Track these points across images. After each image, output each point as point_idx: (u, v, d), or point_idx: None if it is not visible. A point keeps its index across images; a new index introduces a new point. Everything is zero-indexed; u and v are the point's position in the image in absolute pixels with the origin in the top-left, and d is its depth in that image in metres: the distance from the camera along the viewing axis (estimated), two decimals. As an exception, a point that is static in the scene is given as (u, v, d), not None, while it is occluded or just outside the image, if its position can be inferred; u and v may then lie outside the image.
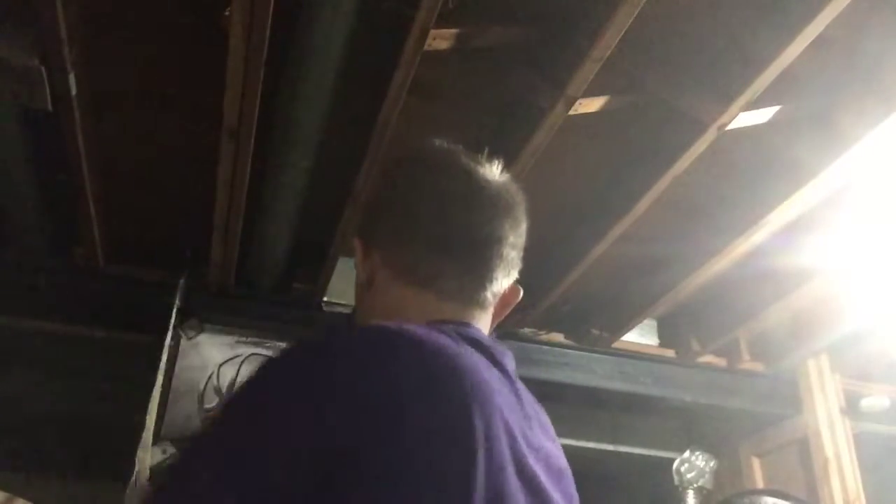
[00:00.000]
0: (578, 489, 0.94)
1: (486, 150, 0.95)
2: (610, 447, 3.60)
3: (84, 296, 2.84)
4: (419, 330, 0.76)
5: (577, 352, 3.27)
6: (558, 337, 3.28)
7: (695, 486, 3.55)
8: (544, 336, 3.24)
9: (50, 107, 1.97)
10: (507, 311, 0.97)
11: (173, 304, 2.71)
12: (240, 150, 2.15)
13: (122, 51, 2.07)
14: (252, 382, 0.74)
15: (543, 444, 0.85)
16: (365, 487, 0.64)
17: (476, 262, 0.88)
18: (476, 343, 0.83)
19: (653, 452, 3.70)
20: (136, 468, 2.36)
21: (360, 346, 0.74)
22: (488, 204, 0.90)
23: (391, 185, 0.96)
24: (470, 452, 0.68)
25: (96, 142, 2.29)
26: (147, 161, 2.50)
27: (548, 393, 3.60)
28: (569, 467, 0.90)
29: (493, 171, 0.94)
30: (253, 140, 2.12)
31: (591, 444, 3.58)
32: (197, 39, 2.00)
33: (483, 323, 0.92)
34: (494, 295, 0.91)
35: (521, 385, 0.89)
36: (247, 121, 2.04)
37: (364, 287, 0.92)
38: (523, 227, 0.94)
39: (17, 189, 2.42)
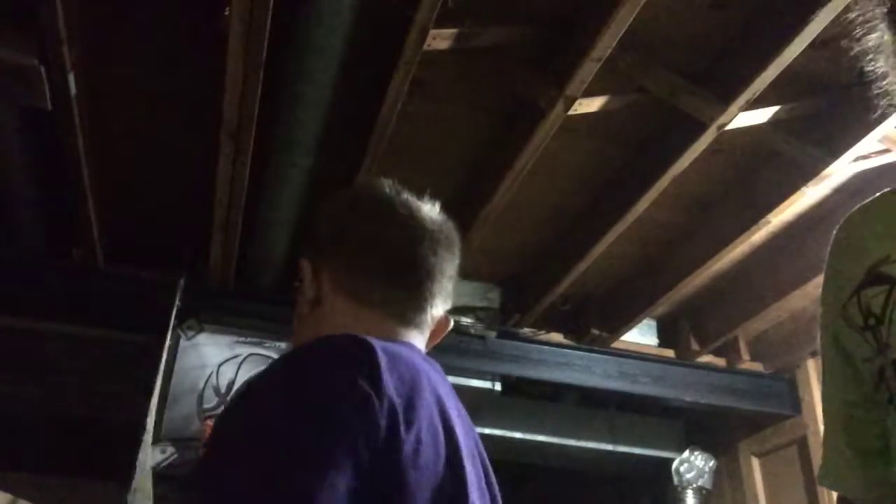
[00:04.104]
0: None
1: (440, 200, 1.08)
2: (609, 447, 3.60)
3: (84, 296, 2.84)
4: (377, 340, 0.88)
5: (576, 352, 3.27)
6: (558, 337, 3.28)
7: (694, 486, 3.54)
8: (544, 336, 3.24)
9: (50, 106, 1.97)
10: (440, 339, 1.06)
11: (173, 303, 2.70)
12: (240, 150, 2.15)
13: (122, 51, 2.07)
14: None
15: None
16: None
17: (419, 290, 0.99)
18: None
19: (652, 452, 3.70)
20: (136, 468, 2.36)
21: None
22: (431, 240, 1.01)
23: (344, 218, 1.06)
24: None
25: (96, 142, 2.29)
26: (147, 161, 2.50)
27: (548, 393, 3.62)
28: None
29: (434, 211, 1.06)
30: (253, 140, 2.12)
31: (590, 444, 3.58)
32: (197, 39, 2.00)
33: (420, 344, 1.01)
34: (432, 319, 1.02)
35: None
36: (247, 121, 2.04)
37: (310, 305, 1.03)
38: (457, 262, 1.06)
39: (17, 189, 2.42)
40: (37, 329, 2.82)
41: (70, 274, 2.81)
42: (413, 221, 1.02)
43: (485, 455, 0.97)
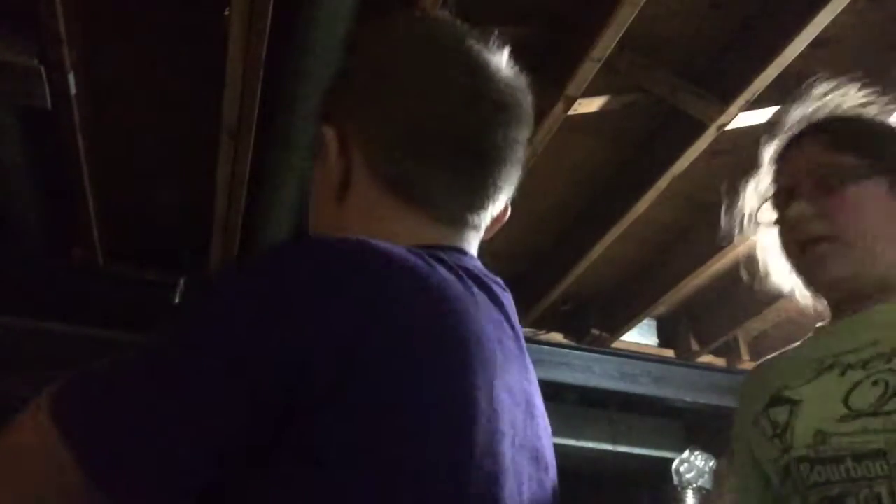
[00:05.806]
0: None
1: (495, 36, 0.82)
2: (609, 447, 3.60)
3: (84, 296, 2.84)
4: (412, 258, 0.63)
5: (576, 352, 3.27)
6: (558, 337, 3.28)
7: (694, 486, 3.55)
8: (544, 336, 3.24)
9: (49, 106, 1.97)
10: (495, 230, 0.81)
11: (173, 303, 2.70)
12: (240, 150, 2.15)
13: (121, 51, 2.07)
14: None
15: (534, 401, 0.80)
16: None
17: (479, 177, 0.73)
18: (476, 279, 0.70)
19: (652, 452, 3.70)
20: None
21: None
22: (497, 105, 0.74)
23: (384, 65, 0.76)
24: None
25: (96, 141, 2.29)
26: (147, 160, 2.50)
27: (547, 393, 3.60)
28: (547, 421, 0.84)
29: (503, 61, 0.79)
30: (253, 140, 2.12)
31: (590, 444, 3.58)
32: (197, 39, 2.00)
33: (475, 247, 0.77)
34: (492, 216, 0.77)
35: (519, 330, 0.76)
36: (247, 121, 2.04)
37: (334, 191, 0.72)
38: (529, 129, 0.79)
39: (16, 189, 2.42)
40: (37, 329, 2.82)
41: (70, 274, 2.81)
42: (485, 91, 0.74)
43: (535, 404, 0.78)
